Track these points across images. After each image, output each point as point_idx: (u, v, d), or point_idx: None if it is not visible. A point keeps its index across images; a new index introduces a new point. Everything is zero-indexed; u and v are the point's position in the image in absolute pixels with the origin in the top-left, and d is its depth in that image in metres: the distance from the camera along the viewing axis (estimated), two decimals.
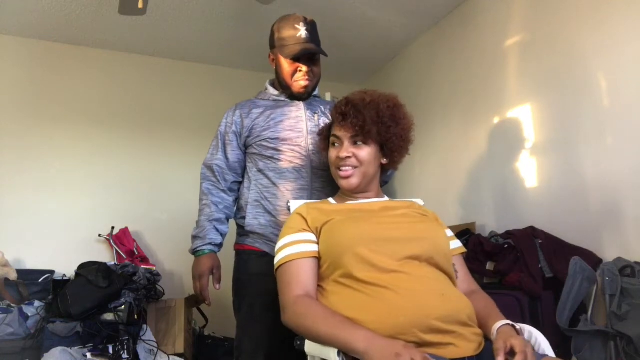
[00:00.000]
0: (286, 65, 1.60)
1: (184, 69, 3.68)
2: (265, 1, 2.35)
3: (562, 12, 2.28)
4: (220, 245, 1.61)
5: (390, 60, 3.78)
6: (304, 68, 1.59)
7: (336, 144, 1.34)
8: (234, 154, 1.66)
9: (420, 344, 1.00)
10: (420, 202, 1.50)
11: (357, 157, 1.30)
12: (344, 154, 1.30)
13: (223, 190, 1.64)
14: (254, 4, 2.47)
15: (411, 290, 1.06)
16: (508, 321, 1.09)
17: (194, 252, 1.59)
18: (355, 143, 1.31)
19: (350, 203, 1.34)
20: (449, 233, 1.35)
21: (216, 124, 1.73)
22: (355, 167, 1.31)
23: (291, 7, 2.91)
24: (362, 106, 1.28)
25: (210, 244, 1.57)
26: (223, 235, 1.63)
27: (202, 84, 3.72)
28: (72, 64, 3.34)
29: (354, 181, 1.31)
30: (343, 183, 1.33)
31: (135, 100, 3.50)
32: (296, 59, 1.58)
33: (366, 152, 1.31)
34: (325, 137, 1.43)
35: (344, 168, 1.31)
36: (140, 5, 2.15)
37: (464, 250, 1.36)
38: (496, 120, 2.67)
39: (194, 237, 1.60)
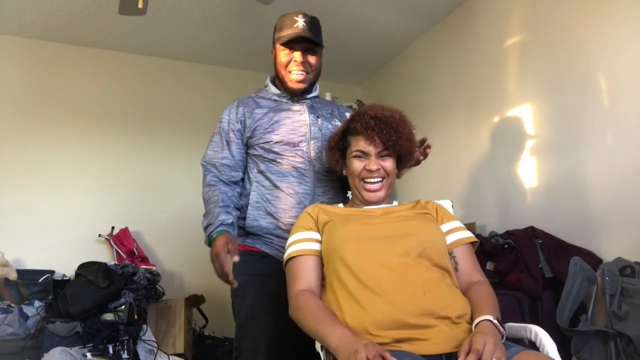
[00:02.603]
0: (282, 55, 1.59)
1: (184, 69, 3.68)
2: (265, 1, 2.35)
3: (562, 12, 2.28)
4: (232, 226, 1.50)
5: (390, 60, 3.78)
6: (299, 57, 1.57)
7: (361, 157, 1.36)
8: (239, 151, 1.62)
9: (396, 340, 1.04)
10: (447, 203, 1.52)
11: (384, 169, 1.36)
12: (374, 167, 1.34)
13: (228, 184, 1.58)
14: (254, 4, 2.47)
15: (390, 289, 1.10)
16: (488, 316, 1.07)
17: (209, 240, 1.49)
18: (381, 156, 1.36)
19: (356, 208, 1.38)
20: (455, 224, 1.33)
21: (216, 123, 1.71)
22: (383, 179, 1.36)
23: (291, 7, 2.91)
24: (393, 122, 1.35)
25: (221, 224, 1.47)
26: (235, 218, 1.54)
27: (202, 84, 3.72)
28: (72, 64, 3.35)
29: (382, 194, 1.37)
30: (370, 196, 1.35)
31: (135, 100, 3.50)
32: (290, 46, 1.57)
33: (391, 164, 1.37)
34: (338, 148, 1.44)
35: (371, 180, 1.35)
36: (140, 5, 2.15)
37: (472, 239, 1.31)
38: (496, 120, 2.67)
39: (206, 227, 1.50)
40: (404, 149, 1.38)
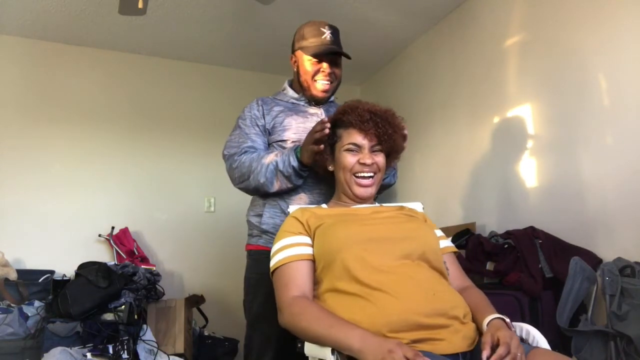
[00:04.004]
0: (309, 65, 1.62)
1: (184, 69, 3.68)
2: (265, 1, 2.35)
3: (562, 12, 2.28)
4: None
5: (390, 60, 3.78)
6: (327, 68, 1.61)
7: (354, 151, 1.33)
8: (264, 144, 1.63)
9: (413, 341, 1.03)
10: (419, 205, 1.51)
11: (377, 164, 1.34)
12: (368, 160, 1.31)
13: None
14: (254, 4, 2.47)
15: (402, 290, 1.08)
16: (499, 315, 1.10)
17: (296, 158, 1.46)
18: (373, 150, 1.34)
19: (343, 208, 1.36)
20: (439, 233, 1.38)
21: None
22: (375, 174, 1.34)
23: (291, 7, 2.91)
24: (389, 116, 1.34)
25: (295, 147, 1.49)
26: None
27: (202, 84, 3.72)
28: (72, 64, 3.35)
29: (373, 190, 1.35)
30: (361, 191, 1.33)
31: (135, 100, 3.50)
32: (319, 57, 1.60)
33: (383, 159, 1.36)
34: (325, 142, 1.40)
35: (363, 174, 1.33)
36: (140, 5, 2.15)
37: (455, 249, 1.38)
38: (496, 120, 2.67)
39: (280, 161, 1.48)
40: (397, 144, 1.37)
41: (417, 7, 3.02)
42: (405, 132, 1.41)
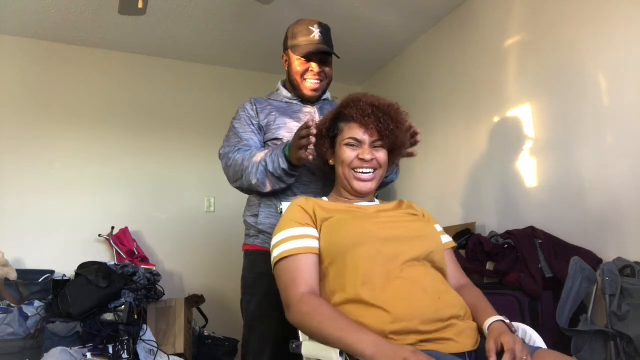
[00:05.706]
0: (298, 64, 1.62)
1: (184, 69, 3.68)
2: (265, 1, 2.35)
3: (562, 12, 2.28)
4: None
5: (390, 60, 3.78)
6: (315, 68, 1.62)
7: (354, 145, 1.30)
8: (260, 142, 1.63)
9: (421, 341, 1.03)
10: None
11: (377, 160, 1.30)
12: (368, 156, 1.28)
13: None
14: (254, 4, 2.47)
15: (411, 294, 1.08)
16: (499, 317, 1.10)
17: (285, 157, 1.43)
18: (374, 146, 1.30)
19: (345, 204, 1.33)
20: (440, 228, 1.37)
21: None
22: (375, 170, 1.31)
23: (291, 7, 2.91)
24: (391, 111, 1.30)
25: (285, 145, 1.45)
26: None
27: (202, 84, 3.72)
28: (72, 64, 3.35)
29: (373, 185, 1.32)
30: (360, 186, 1.30)
31: (135, 100, 3.50)
32: (308, 57, 1.60)
33: (384, 155, 1.32)
34: (328, 136, 1.37)
35: (363, 170, 1.29)
36: (140, 5, 2.15)
37: (454, 244, 1.37)
38: (496, 120, 2.67)
39: (269, 161, 1.45)
40: (400, 141, 1.33)
41: (417, 7, 3.02)
42: (413, 126, 1.39)
